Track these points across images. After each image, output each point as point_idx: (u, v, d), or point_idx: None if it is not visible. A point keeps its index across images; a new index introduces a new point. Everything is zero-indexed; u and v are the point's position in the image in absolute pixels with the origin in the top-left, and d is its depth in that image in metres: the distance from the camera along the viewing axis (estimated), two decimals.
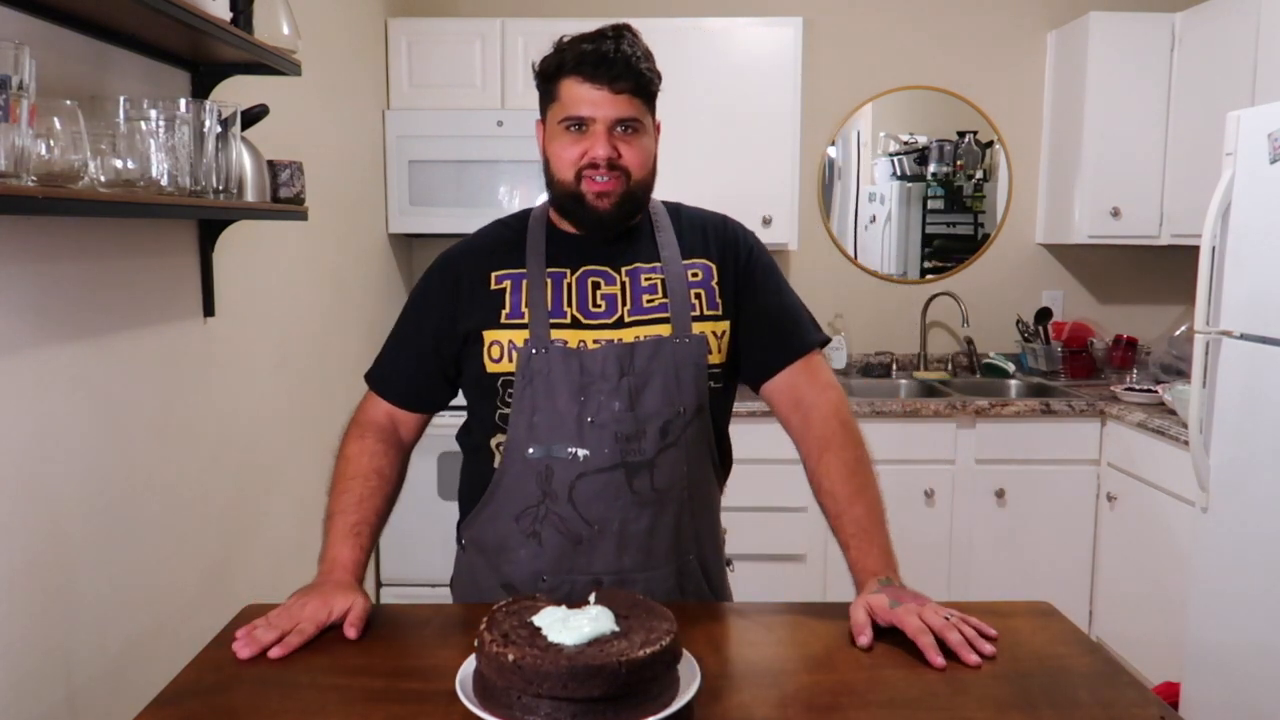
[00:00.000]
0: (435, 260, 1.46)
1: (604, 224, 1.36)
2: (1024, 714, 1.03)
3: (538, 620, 1.01)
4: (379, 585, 3.25)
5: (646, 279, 1.38)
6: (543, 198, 1.43)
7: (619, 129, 1.31)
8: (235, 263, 2.06)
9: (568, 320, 1.35)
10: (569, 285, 1.37)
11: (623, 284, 1.37)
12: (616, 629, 1.00)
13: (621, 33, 1.32)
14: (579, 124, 1.31)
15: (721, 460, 1.46)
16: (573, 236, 1.40)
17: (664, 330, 1.35)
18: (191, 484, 1.89)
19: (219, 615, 1.30)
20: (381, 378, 1.48)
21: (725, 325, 1.40)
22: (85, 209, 1.31)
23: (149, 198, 1.42)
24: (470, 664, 1.04)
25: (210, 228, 1.92)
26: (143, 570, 1.71)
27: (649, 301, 1.37)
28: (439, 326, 1.41)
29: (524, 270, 1.38)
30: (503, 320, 1.36)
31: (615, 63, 1.29)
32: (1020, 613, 1.30)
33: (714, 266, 1.41)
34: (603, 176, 1.31)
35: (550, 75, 1.33)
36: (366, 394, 1.48)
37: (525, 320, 1.35)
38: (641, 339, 1.34)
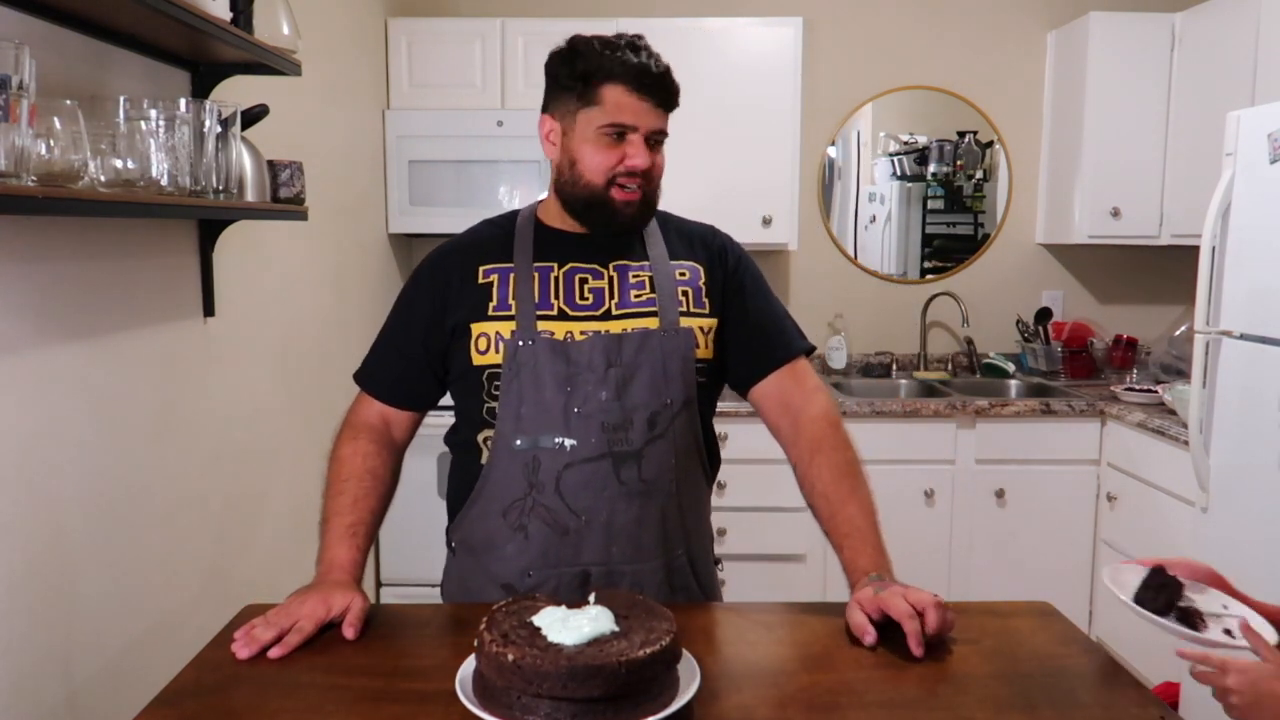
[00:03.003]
0: (423, 259, 1.47)
1: (625, 229, 1.39)
2: (1024, 714, 1.03)
3: (537, 620, 1.02)
4: (379, 585, 3.25)
5: (634, 275, 1.39)
6: (538, 198, 1.44)
7: (650, 140, 1.34)
8: (235, 263, 2.06)
9: (554, 312, 1.36)
10: (556, 279, 1.38)
11: (610, 278, 1.39)
12: (616, 629, 1.00)
13: (649, 46, 1.34)
14: (621, 132, 1.32)
15: (710, 459, 1.46)
16: (562, 234, 1.41)
17: (651, 323, 1.36)
18: (191, 484, 1.89)
19: (219, 615, 1.30)
20: (371, 376, 1.48)
21: (712, 323, 1.41)
22: (85, 209, 1.31)
23: (149, 198, 1.42)
24: (470, 664, 1.04)
25: (210, 228, 1.93)
26: (143, 570, 1.71)
27: (637, 296, 1.38)
28: (427, 321, 1.41)
29: (512, 265, 1.39)
30: (490, 313, 1.37)
31: (661, 78, 1.32)
32: (1020, 613, 1.30)
33: (701, 269, 1.43)
34: (636, 185, 1.34)
35: (590, 78, 1.31)
36: (357, 395, 1.49)
37: (512, 312, 1.36)
38: (629, 331, 1.35)
